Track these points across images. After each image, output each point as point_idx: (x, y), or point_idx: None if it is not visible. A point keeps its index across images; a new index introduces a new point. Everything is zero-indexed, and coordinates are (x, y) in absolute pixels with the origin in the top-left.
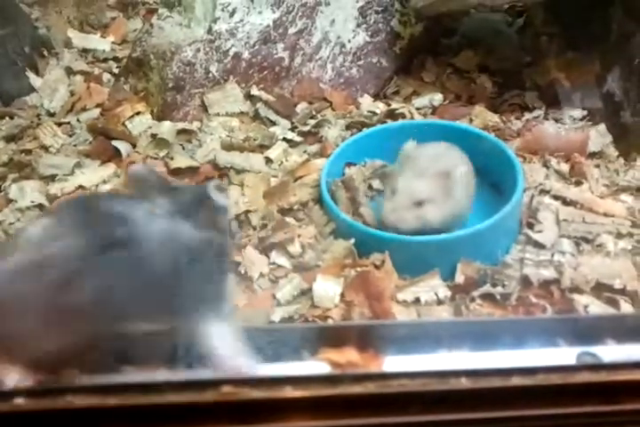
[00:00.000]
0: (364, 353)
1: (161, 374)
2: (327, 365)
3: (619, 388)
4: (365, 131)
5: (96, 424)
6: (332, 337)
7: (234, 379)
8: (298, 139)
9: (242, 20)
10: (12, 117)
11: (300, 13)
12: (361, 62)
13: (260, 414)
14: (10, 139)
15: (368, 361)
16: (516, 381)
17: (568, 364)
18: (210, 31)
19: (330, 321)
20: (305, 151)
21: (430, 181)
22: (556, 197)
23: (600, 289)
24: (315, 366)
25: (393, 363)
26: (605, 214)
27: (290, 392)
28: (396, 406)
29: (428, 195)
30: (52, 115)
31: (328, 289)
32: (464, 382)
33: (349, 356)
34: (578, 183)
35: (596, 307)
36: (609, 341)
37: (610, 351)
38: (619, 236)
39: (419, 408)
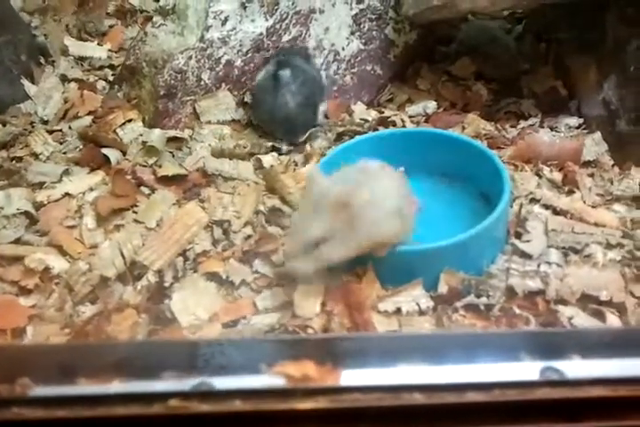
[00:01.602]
0: (322, 367)
1: (111, 387)
2: (283, 378)
3: (581, 405)
4: (355, 138)
5: None
6: (290, 350)
7: (182, 392)
8: (285, 148)
9: (234, 28)
10: (4, 125)
11: (293, 21)
12: (355, 70)
13: None
14: (1, 146)
15: (325, 375)
16: (471, 396)
17: (528, 379)
18: (202, 39)
19: (310, 331)
20: (293, 160)
21: (326, 215)
22: (546, 207)
23: (586, 301)
24: (270, 379)
25: (350, 377)
26: (596, 224)
27: (239, 406)
28: (347, 421)
29: (323, 232)
30: (45, 122)
31: (309, 299)
32: (417, 398)
33: (306, 369)
34: (570, 192)
35: (581, 319)
36: (574, 356)
37: (575, 367)
38: (608, 246)
39: (371, 424)
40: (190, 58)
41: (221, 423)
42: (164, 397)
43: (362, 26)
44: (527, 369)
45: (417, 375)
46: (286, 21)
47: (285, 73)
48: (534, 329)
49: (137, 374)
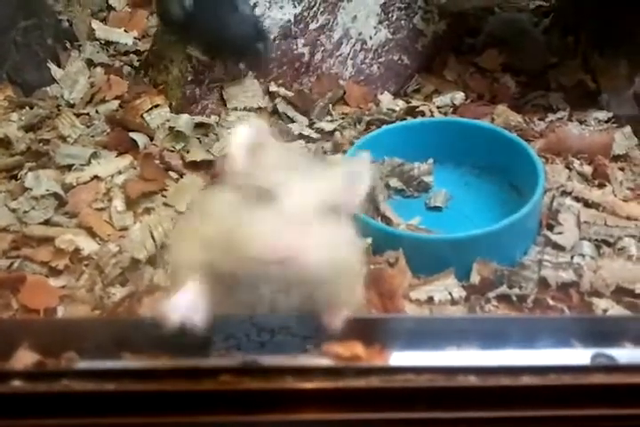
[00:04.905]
0: (370, 347)
1: (160, 361)
2: (330, 358)
3: (634, 391)
4: (384, 127)
5: (93, 410)
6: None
7: (233, 368)
8: (315, 135)
9: (263, 15)
10: (31, 107)
11: (321, 9)
12: (382, 59)
13: (259, 405)
14: (29, 128)
15: (373, 356)
16: (527, 380)
17: (581, 364)
18: None
19: None
20: (321, 148)
21: None
22: (577, 199)
23: (620, 293)
24: (318, 359)
25: (399, 358)
26: (628, 218)
27: (291, 383)
28: (400, 401)
29: None
30: (71, 106)
31: None
32: (472, 380)
33: (354, 349)
34: (601, 186)
35: (616, 312)
36: (626, 343)
37: (626, 354)
38: None
39: (424, 405)
40: None
41: (275, 401)
42: (213, 372)
43: (390, 15)
44: (578, 355)
45: (467, 358)
46: (314, 9)
47: None
48: (582, 315)
49: (183, 350)
